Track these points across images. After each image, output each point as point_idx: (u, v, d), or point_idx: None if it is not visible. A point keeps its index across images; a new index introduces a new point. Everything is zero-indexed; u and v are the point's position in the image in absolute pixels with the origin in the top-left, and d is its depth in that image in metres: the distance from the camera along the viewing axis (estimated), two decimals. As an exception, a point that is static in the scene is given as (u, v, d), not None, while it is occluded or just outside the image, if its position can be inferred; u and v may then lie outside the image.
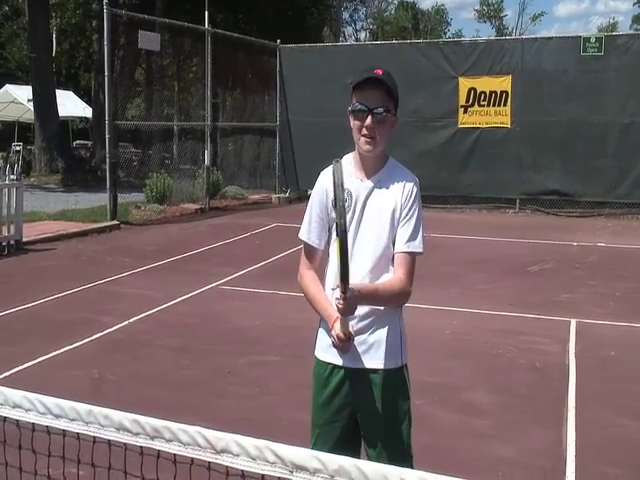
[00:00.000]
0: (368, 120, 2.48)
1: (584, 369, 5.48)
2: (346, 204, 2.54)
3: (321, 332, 2.64)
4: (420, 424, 4.13)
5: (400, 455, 2.55)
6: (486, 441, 4.28)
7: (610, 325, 6.78)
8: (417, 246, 2.55)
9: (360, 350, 2.54)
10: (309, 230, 2.64)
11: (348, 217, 2.55)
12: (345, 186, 2.52)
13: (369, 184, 2.57)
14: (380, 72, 2.51)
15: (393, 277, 2.54)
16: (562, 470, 3.86)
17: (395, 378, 2.57)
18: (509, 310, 7.27)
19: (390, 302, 2.55)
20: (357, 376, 2.56)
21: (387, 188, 2.57)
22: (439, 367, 5.56)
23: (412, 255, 2.55)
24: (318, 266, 2.68)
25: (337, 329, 2.45)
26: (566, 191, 14.94)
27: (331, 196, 2.58)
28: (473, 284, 8.47)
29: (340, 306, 2.34)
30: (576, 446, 4.14)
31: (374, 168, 2.58)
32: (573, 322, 6.78)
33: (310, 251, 2.66)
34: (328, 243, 2.64)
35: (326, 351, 2.61)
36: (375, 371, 2.55)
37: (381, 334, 2.55)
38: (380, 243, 2.55)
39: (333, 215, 2.58)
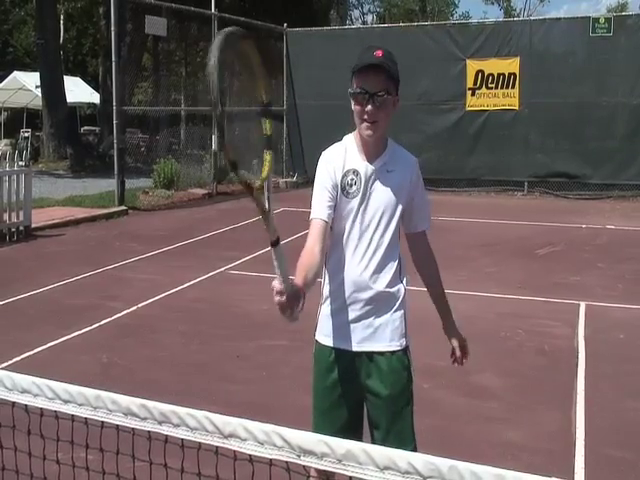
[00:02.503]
0: (369, 105, 2.42)
1: (593, 352, 5.47)
2: (354, 187, 2.52)
3: (323, 315, 2.62)
4: (429, 407, 4.15)
5: (406, 437, 2.56)
6: (495, 424, 4.28)
7: (619, 308, 6.75)
8: (429, 224, 2.71)
9: (366, 333, 2.54)
10: (321, 208, 2.50)
11: (357, 200, 2.52)
12: (352, 167, 2.51)
13: (375, 166, 2.52)
14: (380, 53, 2.42)
15: (429, 258, 2.76)
16: (571, 453, 3.86)
17: (400, 359, 2.59)
18: (518, 293, 7.25)
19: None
20: (364, 359, 2.55)
21: (393, 171, 2.53)
22: (448, 350, 5.53)
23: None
24: (325, 247, 2.53)
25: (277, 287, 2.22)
26: (575, 173, 14.86)
27: (339, 174, 2.52)
28: (481, 267, 8.45)
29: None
30: (585, 429, 4.14)
31: (377, 151, 2.54)
32: (582, 305, 6.77)
33: (320, 230, 2.47)
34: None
35: (330, 335, 2.59)
36: (382, 353, 2.55)
37: (387, 317, 2.55)
38: (389, 225, 2.53)
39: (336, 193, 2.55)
